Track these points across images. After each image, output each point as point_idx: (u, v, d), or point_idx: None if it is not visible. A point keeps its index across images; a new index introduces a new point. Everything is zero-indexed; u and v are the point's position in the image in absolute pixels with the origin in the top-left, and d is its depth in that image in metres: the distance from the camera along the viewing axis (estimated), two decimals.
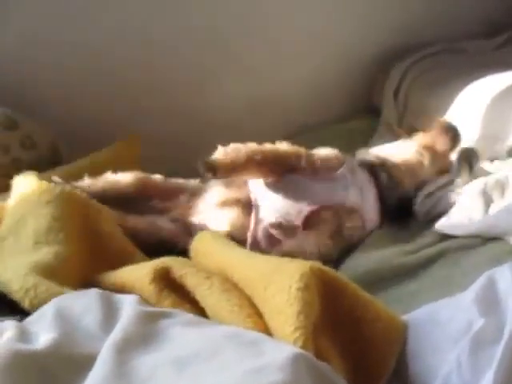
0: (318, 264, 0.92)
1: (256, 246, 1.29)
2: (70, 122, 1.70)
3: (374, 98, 2.07)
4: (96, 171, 1.39)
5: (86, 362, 0.79)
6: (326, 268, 0.92)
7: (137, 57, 1.75)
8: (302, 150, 1.39)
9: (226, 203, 1.35)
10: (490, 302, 0.85)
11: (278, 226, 1.30)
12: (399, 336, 0.89)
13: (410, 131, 1.85)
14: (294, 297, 0.85)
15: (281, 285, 0.88)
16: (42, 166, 1.47)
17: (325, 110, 2.02)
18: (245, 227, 1.31)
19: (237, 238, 1.27)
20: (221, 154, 1.32)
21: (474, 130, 1.64)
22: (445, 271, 1.21)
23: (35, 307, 0.96)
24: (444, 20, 2.08)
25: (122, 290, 1.02)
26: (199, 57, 1.81)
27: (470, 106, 1.70)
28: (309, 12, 1.92)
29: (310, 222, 1.32)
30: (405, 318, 0.93)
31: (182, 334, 0.81)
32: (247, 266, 1.00)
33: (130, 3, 1.70)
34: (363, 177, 1.43)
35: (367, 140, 1.90)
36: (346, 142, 1.85)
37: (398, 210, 1.43)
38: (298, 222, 1.31)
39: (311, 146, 1.75)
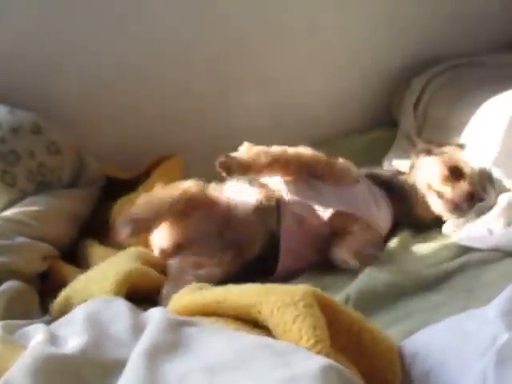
0: (311, 286, 0.91)
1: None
2: (95, 129, 1.71)
3: (394, 109, 2.07)
4: None
5: (115, 368, 0.79)
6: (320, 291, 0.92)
7: (160, 66, 1.76)
8: (321, 156, 1.43)
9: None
10: None
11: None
12: (395, 356, 0.89)
13: (429, 144, 1.87)
14: (304, 312, 0.85)
15: (281, 303, 0.87)
16: (66, 171, 1.49)
17: (344, 122, 2.03)
18: None
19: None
20: (243, 153, 1.36)
21: (495, 144, 1.64)
22: (465, 285, 1.21)
23: None
24: (464, 34, 2.09)
25: None
26: (221, 68, 1.82)
27: (490, 120, 1.70)
28: (330, 25, 1.94)
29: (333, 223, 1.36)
30: (429, 330, 0.94)
31: (210, 341, 0.81)
32: (232, 296, 0.95)
33: (160, 15, 1.72)
34: (378, 192, 1.49)
35: (386, 151, 1.91)
36: (365, 154, 1.88)
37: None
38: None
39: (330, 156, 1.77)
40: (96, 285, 1.13)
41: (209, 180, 1.63)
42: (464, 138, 1.77)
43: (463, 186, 1.49)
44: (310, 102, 1.98)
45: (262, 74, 1.88)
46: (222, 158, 1.32)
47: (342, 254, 1.29)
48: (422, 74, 1.99)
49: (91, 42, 1.67)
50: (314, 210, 1.36)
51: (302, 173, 1.40)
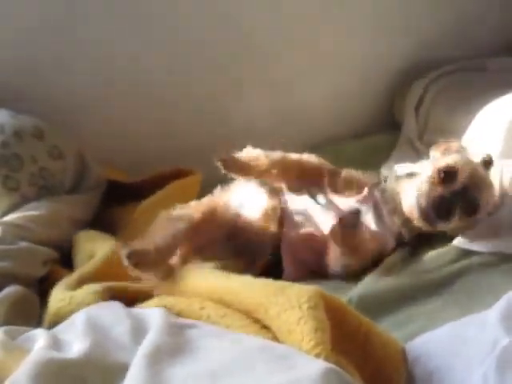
0: (319, 288, 0.93)
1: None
2: (96, 134, 1.71)
3: (395, 113, 2.08)
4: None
5: (118, 372, 0.80)
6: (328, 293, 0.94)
7: (161, 68, 1.77)
8: (326, 167, 1.40)
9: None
10: None
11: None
12: (401, 358, 0.91)
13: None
14: (307, 315, 0.86)
15: (288, 305, 0.89)
16: (68, 175, 1.49)
17: (346, 125, 2.03)
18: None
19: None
20: (244, 153, 1.37)
21: (496, 146, 1.64)
22: (467, 288, 1.20)
23: None
24: (465, 38, 2.10)
25: None
26: (223, 69, 1.83)
27: (492, 123, 1.70)
28: (332, 27, 1.94)
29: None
30: (432, 333, 0.94)
31: (212, 345, 0.82)
32: (244, 292, 0.99)
33: (154, 19, 1.72)
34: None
35: (388, 155, 1.91)
36: (367, 156, 1.88)
37: None
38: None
39: (332, 159, 1.76)
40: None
41: (208, 183, 1.64)
42: (465, 140, 1.77)
43: (439, 188, 1.26)
44: (311, 104, 1.98)
45: (262, 76, 1.88)
46: (221, 155, 1.33)
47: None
48: (423, 78, 2.00)
49: (92, 46, 1.67)
50: (313, 221, 1.33)
51: (303, 180, 1.38)
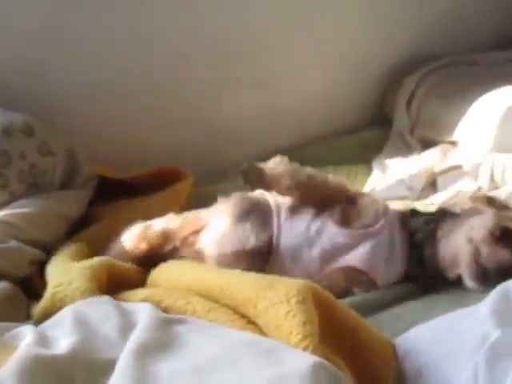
0: (308, 282, 0.93)
1: None
2: (97, 135, 1.71)
3: (387, 108, 2.08)
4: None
5: (105, 368, 0.79)
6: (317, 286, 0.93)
7: (151, 68, 1.76)
8: (346, 193, 1.26)
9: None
10: (506, 314, 0.86)
11: None
12: (390, 352, 0.91)
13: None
14: (295, 308, 0.87)
15: (277, 299, 0.89)
16: (58, 172, 1.48)
17: (338, 120, 2.04)
18: None
19: None
20: (270, 165, 1.23)
21: (486, 142, 1.65)
22: (458, 284, 1.20)
23: None
24: (456, 33, 2.11)
25: None
26: (213, 68, 1.82)
27: (483, 118, 1.71)
28: (322, 24, 1.94)
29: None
30: (422, 327, 0.94)
31: (199, 340, 0.82)
32: (233, 286, 0.98)
33: (154, 18, 1.72)
34: (397, 233, 1.24)
35: (379, 150, 1.92)
36: (359, 152, 1.89)
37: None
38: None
39: (324, 155, 1.77)
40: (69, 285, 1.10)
41: (203, 181, 1.64)
42: (457, 134, 1.78)
43: (506, 253, 1.14)
44: (303, 101, 1.98)
45: (253, 74, 1.88)
46: (245, 166, 1.21)
47: None
48: (415, 73, 2.00)
49: (92, 47, 1.66)
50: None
51: (319, 201, 1.23)
